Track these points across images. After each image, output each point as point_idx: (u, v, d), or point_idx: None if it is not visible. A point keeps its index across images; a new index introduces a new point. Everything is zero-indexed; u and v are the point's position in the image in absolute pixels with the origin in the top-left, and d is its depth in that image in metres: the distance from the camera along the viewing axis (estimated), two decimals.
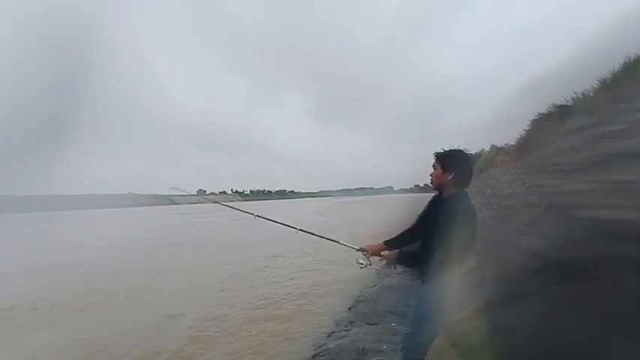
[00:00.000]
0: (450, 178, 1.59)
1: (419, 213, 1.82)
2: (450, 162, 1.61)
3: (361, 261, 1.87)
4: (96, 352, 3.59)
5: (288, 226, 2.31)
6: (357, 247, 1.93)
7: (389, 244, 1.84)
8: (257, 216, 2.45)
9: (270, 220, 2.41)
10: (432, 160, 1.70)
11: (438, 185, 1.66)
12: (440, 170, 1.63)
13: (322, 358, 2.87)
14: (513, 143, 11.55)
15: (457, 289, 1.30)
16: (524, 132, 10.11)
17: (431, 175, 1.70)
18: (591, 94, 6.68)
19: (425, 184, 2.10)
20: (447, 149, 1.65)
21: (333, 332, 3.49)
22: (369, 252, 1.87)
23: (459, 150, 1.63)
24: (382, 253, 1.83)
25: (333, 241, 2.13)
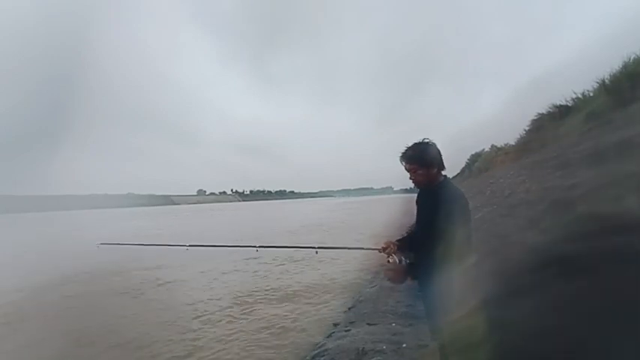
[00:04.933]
0: (435, 171, 1.60)
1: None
2: (429, 156, 1.59)
3: (389, 260, 1.67)
4: None
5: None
6: (379, 248, 1.77)
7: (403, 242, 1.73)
8: None
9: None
10: (404, 164, 1.63)
11: (427, 184, 1.63)
12: (424, 170, 1.59)
13: (322, 358, 2.87)
14: (513, 143, 11.58)
15: (457, 286, 1.30)
16: (524, 132, 10.14)
17: (413, 178, 1.64)
18: (591, 94, 6.71)
19: None
20: (411, 146, 1.61)
21: (333, 332, 3.48)
22: (390, 247, 1.71)
23: (422, 142, 1.61)
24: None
25: (354, 248, 1.98)
